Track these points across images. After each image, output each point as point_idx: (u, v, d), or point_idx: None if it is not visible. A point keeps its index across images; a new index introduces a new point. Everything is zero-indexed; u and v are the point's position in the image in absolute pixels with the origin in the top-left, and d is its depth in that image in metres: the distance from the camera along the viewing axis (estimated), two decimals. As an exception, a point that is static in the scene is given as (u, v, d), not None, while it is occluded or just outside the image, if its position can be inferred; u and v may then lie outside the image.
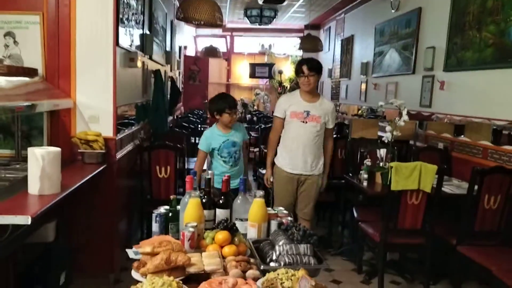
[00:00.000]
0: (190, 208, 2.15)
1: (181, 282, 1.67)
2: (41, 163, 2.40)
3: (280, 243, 1.98)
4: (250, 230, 2.21)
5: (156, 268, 1.77)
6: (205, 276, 1.83)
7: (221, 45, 12.79)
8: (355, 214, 4.22)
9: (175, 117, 8.24)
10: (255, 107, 10.92)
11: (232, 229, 2.10)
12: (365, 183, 3.98)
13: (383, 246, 3.55)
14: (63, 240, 3.43)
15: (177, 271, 1.80)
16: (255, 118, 9.52)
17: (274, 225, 2.25)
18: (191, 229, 2.04)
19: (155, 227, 2.24)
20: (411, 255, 4.30)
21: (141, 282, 1.70)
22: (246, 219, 2.25)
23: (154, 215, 2.24)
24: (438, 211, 3.52)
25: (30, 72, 3.26)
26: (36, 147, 2.49)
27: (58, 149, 2.54)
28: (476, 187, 3.40)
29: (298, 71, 3.75)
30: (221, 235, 2.06)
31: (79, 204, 3.52)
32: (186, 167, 4.84)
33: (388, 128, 4.08)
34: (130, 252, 2.02)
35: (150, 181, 4.19)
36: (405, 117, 3.98)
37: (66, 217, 3.47)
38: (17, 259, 2.57)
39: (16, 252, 2.53)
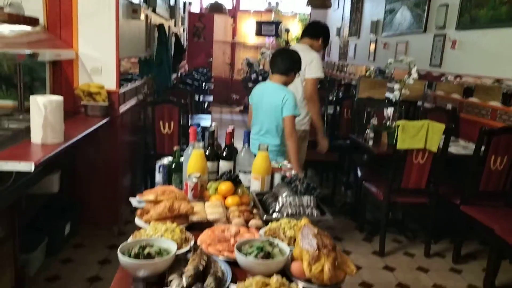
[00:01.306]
0: (194, 159, 2.13)
1: (184, 228, 1.67)
2: (43, 112, 2.37)
3: (283, 194, 1.96)
4: (254, 182, 2.20)
5: (159, 215, 1.76)
6: (208, 225, 1.83)
7: (226, 2, 12.47)
8: (359, 174, 4.21)
9: (179, 75, 8.14)
10: (261, 67, 10.75)
11: (235, 180, 2.08)
12: (370, 143, 3.94)
13: (386, 204, 3.55)
14: (67, 192, 3.46)
15: (180, 219, 1.80)
16: (260, 78, 9.40)
17: (277, 178, 2.23)
18: (194, 179, 2.02)
19: (158, 177, 2.23)
20: (413, 214, 4.32)
21: (143, 228, 1.70)
22: (250, 172, 2.24)
23: (157, 166, 2.23)
24: (443, 171, 3.49)
25: (32, 21, 3.17)
26: (38, 95, 2.45)
27: (61, 97, 2.50)
28: (483, 148, 3.36)
29: None
30: (224, 185, 2.05)
31: (83, 157, 3.53)
32: (189, 124, 4.80)
33: (396, 86, 3.99)
34: (134, 201, 2.02)
35: (154, 137, 4.17)
36: (414, 74, 3.89)
37: (70, 169, 3.48)
38: (22, 208, 2.58)
39: (21, 201, 2.54)
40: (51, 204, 3.21)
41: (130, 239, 1.58)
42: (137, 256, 1.37)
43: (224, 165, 2.26)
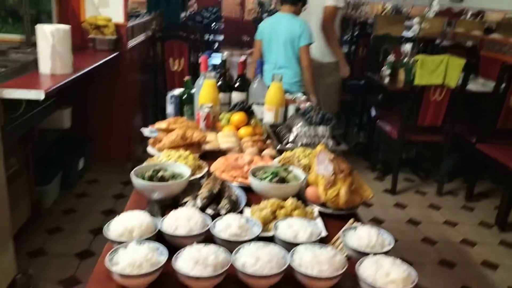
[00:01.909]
0: (205, 89, 2.07)
1: (197, 156, 1.65)
2: (51, 41, 2.30)
3: (298, 125, 1.92)
4: (267, 114, 2.15)
5: (172, 143, 1.73)
6: (220, 154, 1.80)
7: None
8: (373, 113, 4.13)
9: (188, 13, 7.89)
10: (272, 6, 10.39)
11: (248, 111, 2.03)
12: (386, 80, 3.83)
13: (401, 143, 3.50)
14: (79, 129, 3.46)
15: (192, 148, 1.77)
16: (272, 18, 9.09)
17: (291, 109, 2.18)
18: (207, 109, 1.98)
19: (169, 108, 2.19)
20: (426, 154, 4.28)
21: (157, 156, 1.68)
22: (263, 104, 2.18)
23: (168, 96, 2.18)
24: (460, 110, 3.41)
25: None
26: (45, 24, 2.37)
27: (68, 26, 2.42)
28: (503, 84, 3.24)
29: None
30: (237, 116, 2.00)
31: (93, 92, 3.49)
32: (199, 62, 4.69)
33: (415, 20, 3.82)
34: (146, 131, 1.99)
35: (164, 75, 4.09)
36: (435, 7, 3.70)
37: (81, 106, 3.45)
38: (35, 141, 2.58)
39: (33, 134, 2.54)
40: (63, 140, 3.22)
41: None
42: (151, 179, 1.35)
43: (237, 96, 2.20)
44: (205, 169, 1.60)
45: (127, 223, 1.10)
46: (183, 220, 1.13)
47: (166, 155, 1.61)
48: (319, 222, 1.28)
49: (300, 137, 1.85)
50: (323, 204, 1.40)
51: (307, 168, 1.61)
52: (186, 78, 2.18)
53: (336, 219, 1.36)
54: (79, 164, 3.30)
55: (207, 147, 1.79)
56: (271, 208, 1.26)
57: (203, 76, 2.15)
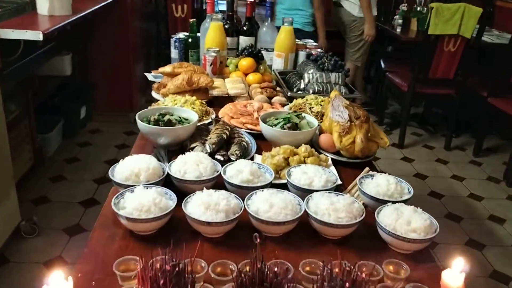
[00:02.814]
0: (212, 32, 1.97)
1: (204, 102, 1.57)
2: (47, -20, 2.17)
3: (310, 71, 1.83)
4: (276, 60, 2.05)
5: (178, 88, 1.66)
6: (228, 100, 1.73)
7: None
8: (383, 65, 4.00)
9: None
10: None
11: (257, 56, 1.94)
12: (398, 30, 3.68)
13: (411, 95, 3.40)
14: (80, 76, 3.36)
15: (199, 93, 1.69)
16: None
17: (302, 56, 2.08)
18: (213, 54, 1.88)
19: (174, 53, 2.09)
20: (434, 109, 4.19)
21: (160, 100, 1.60)
22: (272, 50, 2.08)
23: (172, 40, 2.08)
24: (473, 62, 3.28)
25: None
26: (40, -39, 2.23)
27: (65, -36, 2.28)
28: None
29: None
30: (246, 61, 1.91)
31: (94, 39, 3.36)
32: (203, 8, 4.51)
33: (432, -35, 3.61)
34: (149, 76, 1.91)
35: (167, 22, 3.94)
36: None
37: (81, 52, 3.34)
38: (35, 87, 2.50)
39: (33, 80, 2.45)
40: (64, 87, 3.13)
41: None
42: (156, 123, 1.28)
43: (245, 41, 2.09)
44: (213, 115, 1.53)
45: (133, 166, 1.04)
46: (192, 164, 1.07)
47: (172, 99, 1.54)
48: (333, 170, 1.23)
49: (311, 84, 1.76)
50: (337, 152, 1.34)
51: (319, 116, 1.54)
52: (192, 20, 2.07)
53: (350, 167, 1.30)
54: (81, 113, 3.23)
55: (215, 92, 1.71)
56: (284, 155, 1.20)
57: (209, 18, 2.04)
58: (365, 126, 1.30)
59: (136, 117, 1.31)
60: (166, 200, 0.96)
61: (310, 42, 2.20)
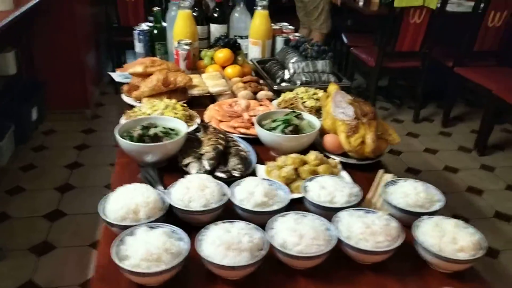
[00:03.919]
0: (181, 22, 1.77)
1: (185, 105, 1.40)
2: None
3: (293, 60, 1.69)
4: (252, 48, 1.89)
5: (153, 90, 1.47)
6: (210, 99, 1.56)
7: None
8: (345, 40, 3.92)
9: None
10: None
11: (234, 46, 1.77)
12: (361, 3, 3.58)
13: (378, 70, 3.34)
14: (28, 74, 3.05)
15: (176, 94, 1.52)
16: None
17: (280, 42, 1.93)
18: (186, 47, 1.70)
19: (138, 47, 1.88)
20: (399, 81, 4.18)
21: (135, 107, 1.42)
22: (247, 37, 1.92)
23: (135, 32, 1.86)
24: (438, 33, 3.25)
25: None
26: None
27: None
28: (482, 4, 3.10)
29: None
30: (222, 53, 1.74)
31: (39, 31, 3.04)
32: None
33: None
34: (115, 76, 1.70)
35: (116, 6, 3.63)
36: None
37: (26, 47, 3.01)
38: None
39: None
40: (11, 88, 2.82)
41: (122, 120, 1.31)
42: (141, 138, 1.11)
43: (216, 29, 1.92)
44: (198, 120, 1.37)
45: (129, 202, 0.88)
46: (196, 190, 0.92)
47: (150, 105, 1.36)
48: (346, 175, 1.12)
49: (298, 75, 1.63)
50: (343, 154, 1.22)
51: (313, 111, 1.42)
52: (155, 9, 1.86)
53: (360, 169, 1.20)
54: (32, 114, 2.94)
55: (194, 92, 1.54)
56: (293, 165, 1.07)
57: (175, 6, 1.84)
58: (374, 124, 1.19)
59: (115, 133, 1.13)
60: (176, 241, 0.81)
61: (286, 26, 2.04)
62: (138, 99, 1.50)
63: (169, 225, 0.84)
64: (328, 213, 0.91)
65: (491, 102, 2.96)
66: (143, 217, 0.87)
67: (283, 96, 1.52)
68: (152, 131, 1.13)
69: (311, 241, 0.81)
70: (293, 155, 1.09)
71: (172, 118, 1.23)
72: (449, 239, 0.83)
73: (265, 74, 1.71)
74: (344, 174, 1.12)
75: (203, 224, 0.85)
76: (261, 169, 1.14)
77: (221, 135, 1.21)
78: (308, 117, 1.28)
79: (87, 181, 2.57)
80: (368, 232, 0.83)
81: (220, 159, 1.13)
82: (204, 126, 1.30)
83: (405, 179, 1.03)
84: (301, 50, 1.75)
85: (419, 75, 3.45)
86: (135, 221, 0.86)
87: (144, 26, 1.90)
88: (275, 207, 0.92)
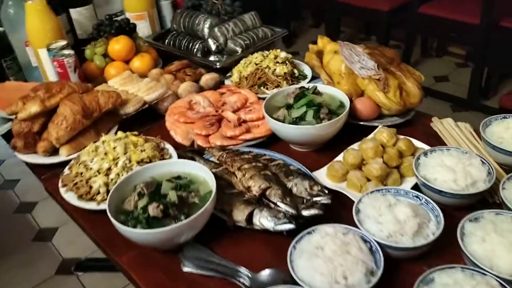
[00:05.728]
0: (36, 21, 1.19)
1: (141, 136, 0.94)
2: None
3: (209, 23, 1.30)
4: (139, 25, 1.40)
5: (72, 131, 0.96)
6: (147, 112, 1.10)
7: None
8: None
9: None
10: None
11: (130, 29, 1.28)
12: None
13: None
14: None
15: (103, 122, 1.03)
16: None
17: (166, 7, 1.48)
18: (67, 52, 1.15)
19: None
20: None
21: (73, 160, 0.90)
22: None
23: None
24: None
25: None
26: None
27: None
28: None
29: None
30: (120, 43, 1.23)
31: None
32: None
33: None
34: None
35: None
36: None
37: None
38: None
39: None
40: None
41: (69, 195, 0.81)
42: (166, 213, 0.69)
43: (82, 15, 1.36)
44: (169, 148, 0.93)
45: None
46: (340, 259, 0.59)
47: (108, 160, 0.86)
48: (414, 141, 0.88)
49: (232, 40, 1.26)
50: (379, 116, 0.98)
51: (289, 78, 1.13)
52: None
53: (402, 126, 0.98)
54: None
55: (129, 109, 1.06)
56: (376, 156, 0.80)
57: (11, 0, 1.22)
58: (404, 67, 0.97)
59: (116, 223, 0.67)
60: None
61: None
62: (46, 152, 0.96)
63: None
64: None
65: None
66: None
67: (237, 72, 1.17)
68: (170, 195, 0.71)
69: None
70: (370, 145, 0.81)
71: (169, 162, 0.80)
72: None
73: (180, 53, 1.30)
74: (412, 140, 0.89)
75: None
76: (318, 175, 0.83)
77: (245, 156, 0.84)
78: (324, 88, 0.98)
79: None
80: None
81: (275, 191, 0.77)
82: (198, 152, 0.90)
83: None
84: (208, 9, 1.37)
85: None
86: None
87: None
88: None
